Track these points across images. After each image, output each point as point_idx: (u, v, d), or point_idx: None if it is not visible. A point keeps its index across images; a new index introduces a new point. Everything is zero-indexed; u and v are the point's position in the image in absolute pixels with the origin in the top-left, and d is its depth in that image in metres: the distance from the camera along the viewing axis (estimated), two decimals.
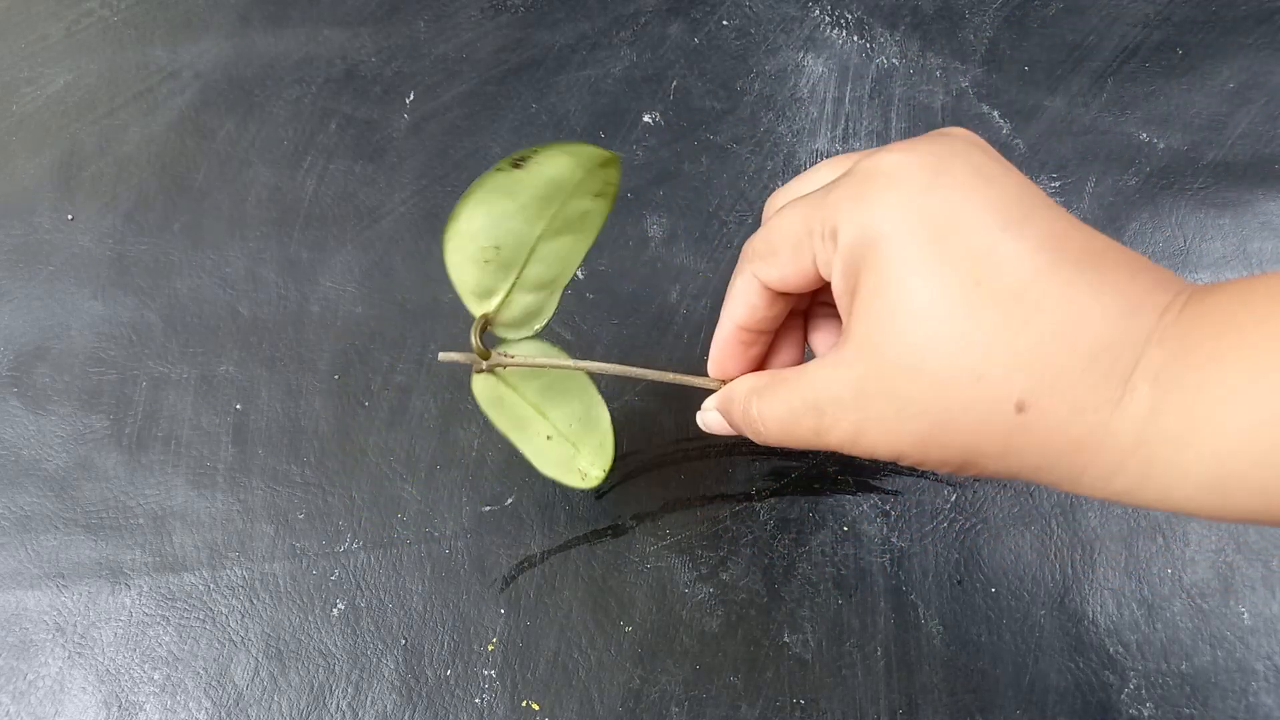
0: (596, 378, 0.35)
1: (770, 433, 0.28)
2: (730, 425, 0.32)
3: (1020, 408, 0.22)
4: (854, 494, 0.40)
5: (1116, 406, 0.21)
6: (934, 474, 0.41)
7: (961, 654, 0.38)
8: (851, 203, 0.24)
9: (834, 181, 0.26)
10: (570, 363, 0.32)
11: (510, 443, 0.34)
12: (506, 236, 0.29)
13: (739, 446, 0.41)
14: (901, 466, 0.41)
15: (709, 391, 0.33)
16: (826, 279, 0.27)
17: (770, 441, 0.29)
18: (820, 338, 0.33)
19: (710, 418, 0.33)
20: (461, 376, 0.42)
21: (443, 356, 0.31)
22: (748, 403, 0.29)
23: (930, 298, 0.22)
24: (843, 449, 0.26)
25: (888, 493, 0.40)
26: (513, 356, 0.32)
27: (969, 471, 0.24)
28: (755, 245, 0.29)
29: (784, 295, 0.29)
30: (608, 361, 0.31)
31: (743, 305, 0.30)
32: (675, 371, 0.32)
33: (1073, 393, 0.21)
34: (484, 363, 0.32)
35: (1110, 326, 0.21)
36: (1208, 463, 0.19)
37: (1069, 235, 0.22)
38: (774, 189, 0.46)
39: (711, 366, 0.32)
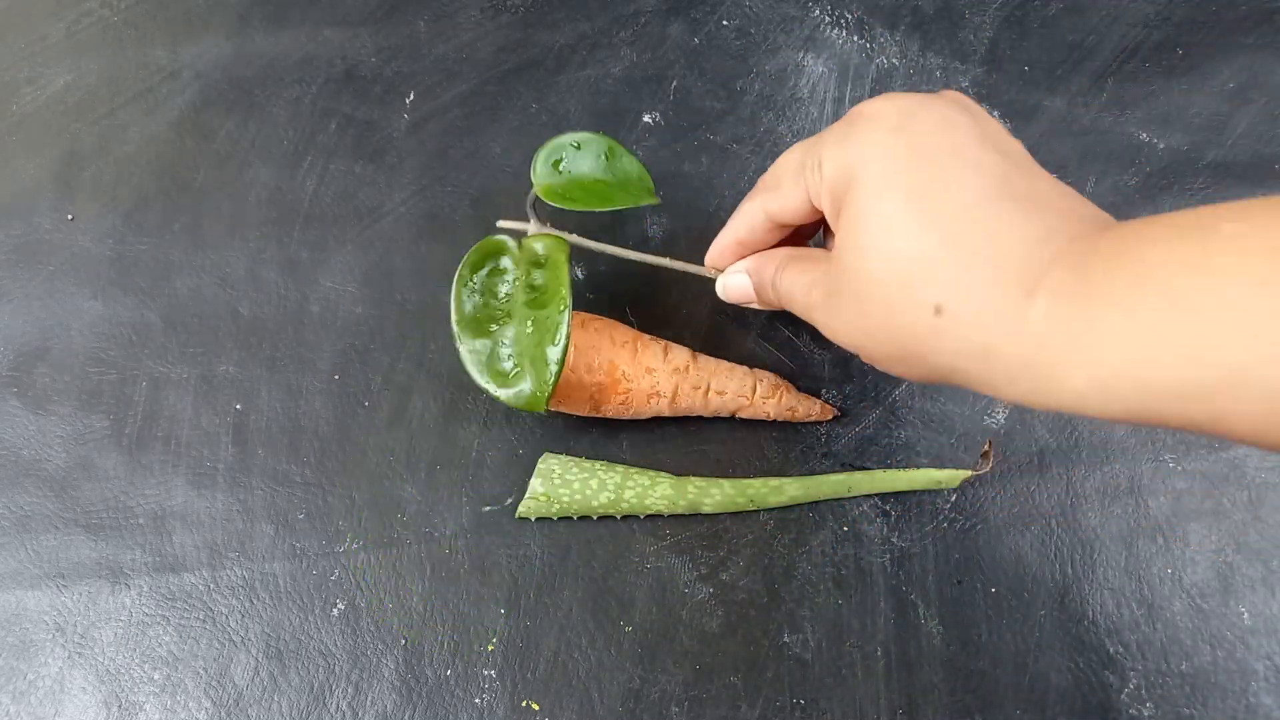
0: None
1: (779, 297, 0.34)
2: (751, 287, 0.36)
3: (938, 311, 0.26)
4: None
5: (1020, 315, 0.24)
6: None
7: (961, 654, 0.38)
8: (836, 140, 0.29)
9: (829, 127, 0.31)
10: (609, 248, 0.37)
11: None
12: None
13: (737, 443, 0.41)
14: (897, 460, 0.41)
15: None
16: (819, 208, 0.31)
17: (774, 302, 0.35)
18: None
19: (734, 280, 0.37)
20: (462, 376, 0.42)
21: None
22: (780, 266, 0.34)
23: (886, 218, 0.27)
24: (823, 331, 0.31)
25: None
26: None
27: (908, 368, 0.28)
28: (764, 179, 0.34)
29: (782, 227, 0.34)
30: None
31: (744, 227, 0.35)
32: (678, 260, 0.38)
33: (983, 301, 0.25)
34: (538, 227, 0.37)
35: (1024, 250, 0.25)
36: (1094, 363, 0.23)
37: (1014, 176, 0.26)
38: None
39: (709, 260, 0.38)
